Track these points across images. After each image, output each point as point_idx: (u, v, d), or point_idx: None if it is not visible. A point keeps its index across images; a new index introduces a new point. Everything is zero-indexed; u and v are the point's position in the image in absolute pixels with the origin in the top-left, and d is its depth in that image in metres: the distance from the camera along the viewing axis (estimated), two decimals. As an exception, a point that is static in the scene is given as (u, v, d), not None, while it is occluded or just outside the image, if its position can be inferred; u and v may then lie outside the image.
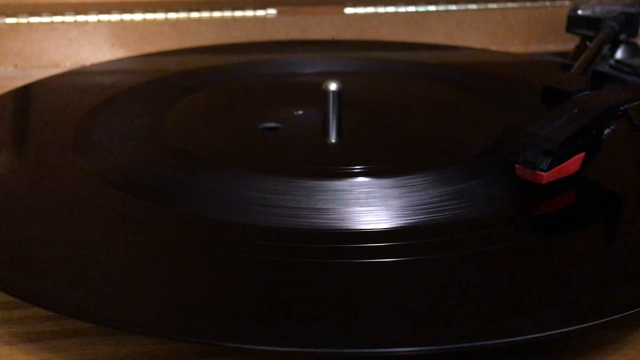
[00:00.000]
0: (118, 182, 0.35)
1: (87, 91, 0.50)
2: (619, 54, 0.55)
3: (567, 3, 0.69)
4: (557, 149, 0.32)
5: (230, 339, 0.24)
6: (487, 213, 0.32)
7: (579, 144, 0.33)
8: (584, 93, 0.37)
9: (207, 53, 0.61)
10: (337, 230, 0.30)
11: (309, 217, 0.31)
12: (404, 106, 0.47)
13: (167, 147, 0.39)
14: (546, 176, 0.32)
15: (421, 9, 0.68)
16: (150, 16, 0.64)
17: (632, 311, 0.25)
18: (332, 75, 0.43)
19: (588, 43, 0.52)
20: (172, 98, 0.47)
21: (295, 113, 0.43)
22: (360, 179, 0.34)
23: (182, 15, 0.65)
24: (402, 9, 0.68)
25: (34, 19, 0.62)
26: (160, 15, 0.64)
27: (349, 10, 0.67)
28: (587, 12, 0.56)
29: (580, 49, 0.57)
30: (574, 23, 0.57)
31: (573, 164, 0.34)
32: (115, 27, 0.63)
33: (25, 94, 0.49)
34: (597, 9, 0.56)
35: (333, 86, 0.42)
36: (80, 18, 0.63)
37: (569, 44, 0.61)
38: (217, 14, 0.65)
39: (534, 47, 0.69)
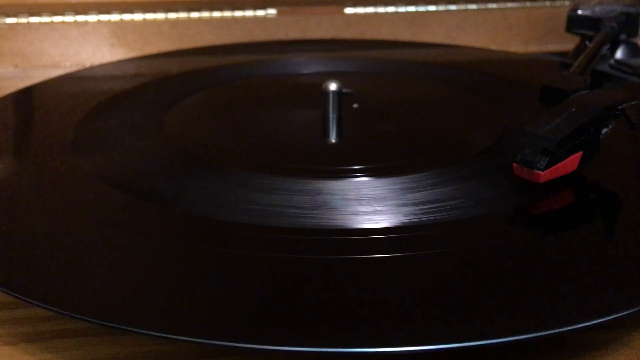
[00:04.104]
0: (118, 183, 0.35)
1: (87, 92, 0.50)
2: (618, 54, 0.55)
3: (567, 3, 0.69)
4: (554, 147, 0.32)
5: (230, 338, 0.24)
6: (486, 212, 0.32)
7: (576, 143, 0.33)
8: (582, 92, 0.37)
9: (207, 53, 0.61)
10: (337, 230, 0.30)
11: (309, 216, 0.31)
12: (404, 106, 0.47)
13: (167, 147, 0.39)
14: (543, 175, 0.32)
15: (421, 9, 0.68)
16: (150, 16, 0.64)
17: (630, 310, 0.25)
18: (332, 75, 0.44)
19: (588, 43, 0.52)
20: (172, 98, 0.47)
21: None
22: (360, 179, 0.35)
23: (182, 15, 0.65)
24: (402, 9, 0.68)
25: (34, 19, 0.62)
26: (160, 15, 0.64)
27: (349, 10, 0.67)
28: (587, 12, 0.56)
29: (580, 49, 0.57)
30: (573, 23, 0.57)
31: (571, 163, 0.34)
32: (115, 27, 0.63)
33: (25, 96, 0.49)
34: (597, 9, 0.56)
35: (333, 86, 0.42)
36: (80, 18, 0.63)
37: (569, 44, 0.61)
38: (217, 14, 0.65)
39: (534, 47, 0.69)
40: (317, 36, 0.67)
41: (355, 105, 0.43)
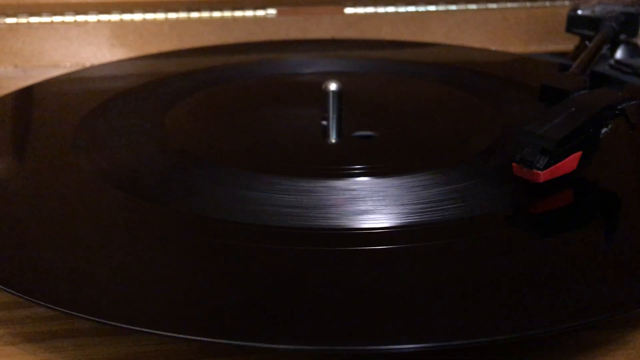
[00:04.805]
0: (118, 182, 0.35)
1: (87, 92, 0.50)
2: (618, 54, 0.55)
3: (567, 3, 0.69)
4: (553, 147, 0.32)
5: (230, 337, 0.24)
6: (485, 212, 0.32)
7: (576, 142, 0.33)
8: (582, 92, 0.37)
9: (207, 53, 0.61)
10: (337, 230, 0.30)
11: (309, 216, 0.31)
12: (404, 106, 0.47)
13: (167, 147, 0.39)
14: (543, 175, 0.32)
15: (421, 9, 0.68)
16: (150, 16, 0.64)
17: (629, 309, 0.25)
18: (332, 75, 0.44)
19: (587, 43, 0.52)
20: (172, 98, 0.47)
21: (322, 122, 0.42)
22: (360, 179, 0.35)
23: (182, 15, 0.65)
24: (402, 9, 0.68)
25: (34, 19, 0.62)
26: (160, 15, 0.64)
27: (349, 10, 0.67)
28: (587, 12, 0.56)
29: (580, 49, 0.57)
30: (573, 23, 0.57)
31: (570, 162, 0.34)
32: (115, 27, 0.63)
33: (26, 95, 0.49)
34: (597, 9, 0.56)
35: (333, 86, 0.42)
36: (80, 18, 0.63)
37: (569, 44, 0.61)
38: (217, 14, 0.65)
39: (534, 47, 0.69)
40: (317, 36, 0.67)
41: (324, 122, 0.43)
